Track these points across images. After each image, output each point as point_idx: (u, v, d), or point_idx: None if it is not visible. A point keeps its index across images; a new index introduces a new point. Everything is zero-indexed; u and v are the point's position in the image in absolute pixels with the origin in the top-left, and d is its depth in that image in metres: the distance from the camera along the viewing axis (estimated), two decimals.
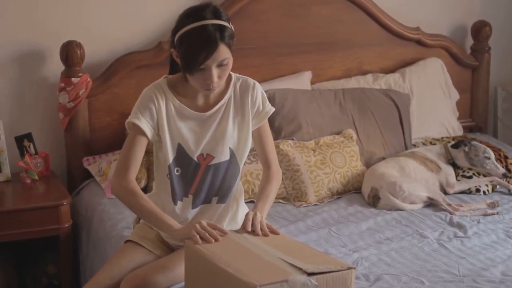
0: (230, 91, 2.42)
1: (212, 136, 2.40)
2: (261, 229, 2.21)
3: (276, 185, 2.47)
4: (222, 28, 2.24)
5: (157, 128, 2.37)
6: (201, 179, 2.41)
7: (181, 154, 2.39)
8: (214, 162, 2.41)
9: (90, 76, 3.48)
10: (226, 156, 2.42)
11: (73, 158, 3.56)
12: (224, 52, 2.25)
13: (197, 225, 2.16)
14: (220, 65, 2.27)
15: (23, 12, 3.48)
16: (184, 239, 2.17)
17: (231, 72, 2.43)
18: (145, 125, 2.34)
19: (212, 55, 2.22)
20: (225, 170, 2.43)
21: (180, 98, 2.39)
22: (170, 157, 2.39)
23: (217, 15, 2.26)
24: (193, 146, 2.39)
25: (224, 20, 2.27)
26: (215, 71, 2.26)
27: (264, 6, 3.76)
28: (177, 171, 2.40)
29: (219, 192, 2.44)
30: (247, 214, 2.28)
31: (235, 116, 2.42)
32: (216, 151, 2.40)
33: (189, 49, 2.24)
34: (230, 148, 2.42)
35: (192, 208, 2.43)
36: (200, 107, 2.41)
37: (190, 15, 2.27)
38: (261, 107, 2.45)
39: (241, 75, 2.47)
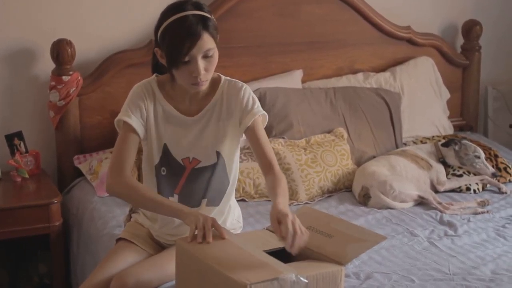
0: (217, 94, 2.39)
1: (199, 139, 2.38)
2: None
3: (285, 187, 2.28)
4: (204, 18, 2.23)
5: (146, 127, 2.36)
6: (187, 180, 2.39)
7: (167, 155, 2.38)
8: (200, 165, 2.39)
9: (81, 74, 3.47)
10: (213, 160, 2.40)
11: (63, 157, 3.55)
12: (208, 42, 2.22)
13: (200, 222, 2.11)
14: (206, 56, 2.24)
15: (14, 10, 3.47)
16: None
17: (221, 75, 2.41)
18: (136, 123, 2.33)
19: (196, 44, 2.20)
20: (212, 173, 2.40)
21: (168, 99, 2.37)
22: (157, 157, 2.38)
23: (198, 7, 2.26)
24: (178, 148, 2.37)
25: (206, 12, 2.26)
26: (201, 63, 2.23)
27: (256, 5, 3.76)
28: (163, 170, 2.39)
29: (207, 194, 2.42)
30: (283, 220, 2.06)
31: (223, 120, 2.39)
32: (202, 155, 2.39)
33: (172, 41, 2.22)
34: (217, 151, 2.39)
35: None
36: (188, 110, 2.38)
37: (171, 9, 2.27)
38: (249, 108, 2.38)
39: (231, 78, 2.44)
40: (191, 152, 2.38)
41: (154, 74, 2.41)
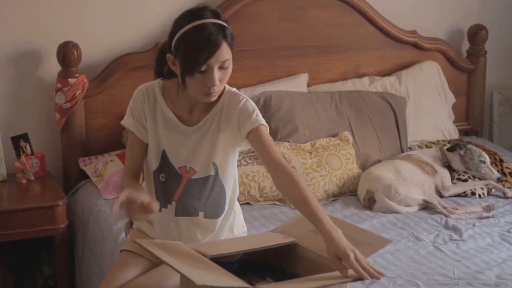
0: (218, 106, 2.30)
1: (196, 149, 2.31)
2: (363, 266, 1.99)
3: (304, 186, 2.16)
4: (223, 27, 2.17)
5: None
6: (184, 190, 2.33)
7: (165, 161, 2.33)
8: (196, 176, 2.32)
9: (87, 77, 3.48)
10: (210, 171, 2.32)
11: (69, 159, 3.55)
12: (226, 52, 2.17)
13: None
14: (222, 68, 2.18)
15: (20, 13, 3.48)
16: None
17: (226, 85, 2.30)
18: (136, 128, 2.32)
19: (214, 54, 2.14)
20: (210, 186, 2.33)
21: (170, 105, 2.32)
22: (155, 163, 2.34)
23: (216, 15, 2.20)
24: (176, 157, 2.32)
25: (224, 21, 2.20)
26: (216, 73, 2.17)
27: (262, 9, 3.77)
28: (162, 177, 2.34)
29: (204, 207, 2.34)
30: (334, 258, 2.00)
31: (222, 131, 2.30)
32: (198, 165, 2.31)
33: (190, 49, 2.14)
34: (214, 163, 2.32)
35: (176, 216, 2.34)
36: (188, 119, 2.32)
37: (188, 16, 2.19)
38: (247, 116, 2.26)
39: (235, 91, 2.33)
40: (188, 161, 2.31)
41: (160, 78, 2.37)
